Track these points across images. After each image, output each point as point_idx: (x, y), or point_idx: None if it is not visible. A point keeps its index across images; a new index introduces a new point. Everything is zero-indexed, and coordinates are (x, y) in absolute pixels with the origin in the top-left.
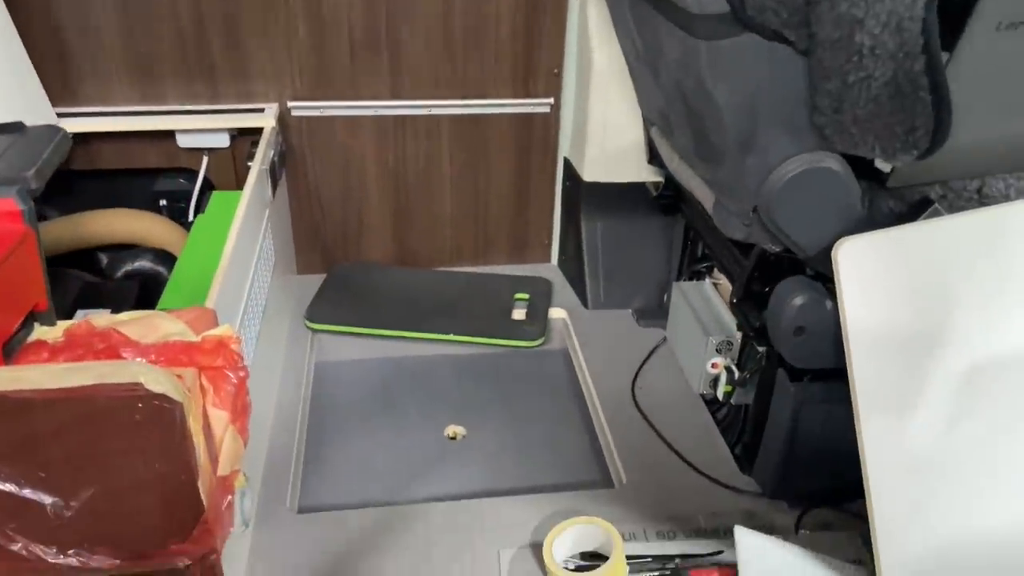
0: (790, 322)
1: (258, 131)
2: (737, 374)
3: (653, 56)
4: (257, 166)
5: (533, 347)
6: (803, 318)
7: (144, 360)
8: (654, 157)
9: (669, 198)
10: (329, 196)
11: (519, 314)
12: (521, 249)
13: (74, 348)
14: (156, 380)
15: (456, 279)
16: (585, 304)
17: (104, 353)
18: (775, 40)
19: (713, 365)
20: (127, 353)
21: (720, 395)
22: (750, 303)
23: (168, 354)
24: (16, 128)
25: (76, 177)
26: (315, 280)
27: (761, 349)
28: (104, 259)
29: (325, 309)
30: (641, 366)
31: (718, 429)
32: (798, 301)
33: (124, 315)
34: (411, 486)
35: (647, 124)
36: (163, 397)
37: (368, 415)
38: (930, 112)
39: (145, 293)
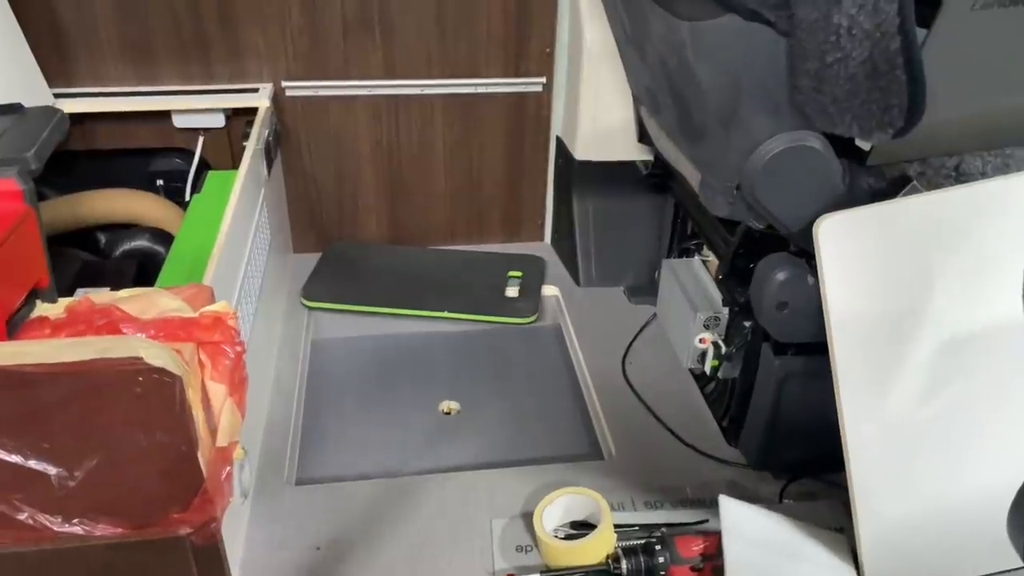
0: (772, 297)
1: (253, 111)
2: (724, 349)
3: (639, 36)
4: (252, 146)
5: (526, 324)
6: (785, 293)
7: (144, 335)
8: (643, 135)
9: (658, 176)
10: (324, 176)
11: (512, 292)
12: (515, 228)
13: (75, 324)
14: (156, 354)
15: (450, 258)
16: (577, 282)
17: (105, 328)
18: (756, 21)
19: (701, 340)
20: (127, 328)
21: (708, 369)
22: (735, 279)
23: (167, 329)
24: (15, 109)
25: (73, 158)
26: (311, 259)
27: (747, 324)
28: (102, 238)
29: (321, 287)
30: (631, 342)
31: (706, 403)
32: (780, 277)
33: (124, 292)
34: (407, 459)
35: (636, 103)
36: (162, 371)
37: (364, 391)
38: (905, 91)
39: (143, 271)
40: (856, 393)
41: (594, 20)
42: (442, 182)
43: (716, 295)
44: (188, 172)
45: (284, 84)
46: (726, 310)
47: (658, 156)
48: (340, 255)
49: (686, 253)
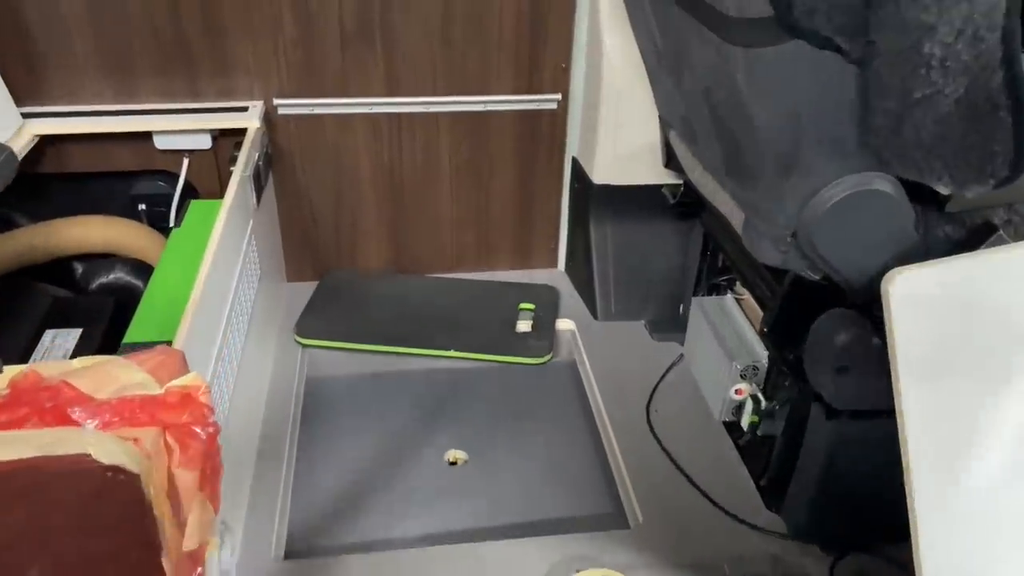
0: (832, 362)
1: (242, 131)
2: (764, 403)
3: (676, 59)
4: (239, 172)
5: (539, 364)
6: (847, 357)
7: (98, 420)
8: (671, 161)
9: (688, 204)
10: (320, 199)
11: (524, 326)
12: (526, 254)
13: (18, 406)
14: (108, 450)
15: (457, 287)
16: (594, 315)
17: (51, 413)
18: (826, 48)
19: (737, 391)
20: (78, 413)
21: (745, 425)
22: (783, 334)
23: (126, 411)
24: None
25: (47, 181)
26: (306, 288)
27: (790, 375)
28: (79, 269)
29: (316, 323)
30: (656, 386)
31: (741, 458)
32: (842, 339)
33: (77, 362)
34: (408, 521)
35: (664, 126)
36: (117, 469)
37: (363, 437)
38: (1010, 135)
39: (120, 309)
40: (930, 472)
41: (616, 32)
42: (448, 205)
43: (753, 340)
44: (172, 196)
45: (276, 102)
46: (765, 357)
47: (688, 182)
48: (337, 285)
49: (717, 289)
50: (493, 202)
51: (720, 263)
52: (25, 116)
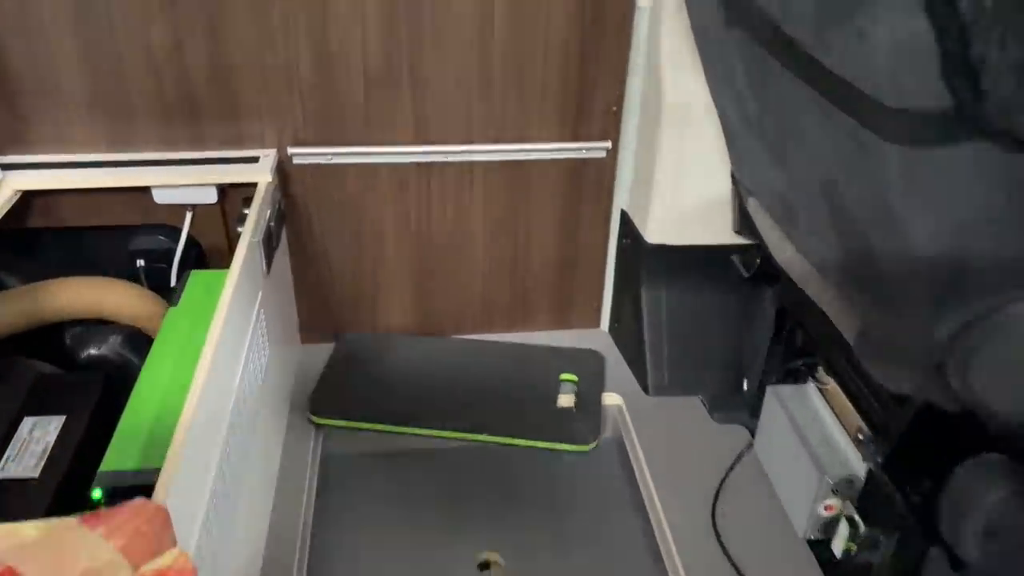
0: (980, 523)
1: (251, 184)
2: (863, 528)
3: (778, 131)
4: (247, 237)
5: (584, 452)
6: (999, 520)
7: None
8: (745, 227)
9: (761, 270)
10: (338, 255)
11: (566, 400)
12: (566, 313)
13: None
14: None
15: (489, 352)
16: (645, 388)
17: None
18: (1019, 152)
19: (827, 507)
20: None
21: (838, 551)
22: (906, 471)
23: None
24: None
25: (36, 235)
26: (321, 352)
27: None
28: (68, 335)
29: (331, 399)
30: (722, 483)
31: None
32: (995, 497)
33: (31, 529)
34: None
35: (744, 192)
36: None
37: (384, 531)
38: None
39: (109, 389)
40: None
41: (679, 74)
42: (480, 260)
43: (846, 445)
44: (174, 252)
45: (291, 151)
46: (863, 469)
47: (767, 255)
48: (355, 349)
49: (794, 375)
50: (531, 257)
51: (799, 343)
52: (7, 167)
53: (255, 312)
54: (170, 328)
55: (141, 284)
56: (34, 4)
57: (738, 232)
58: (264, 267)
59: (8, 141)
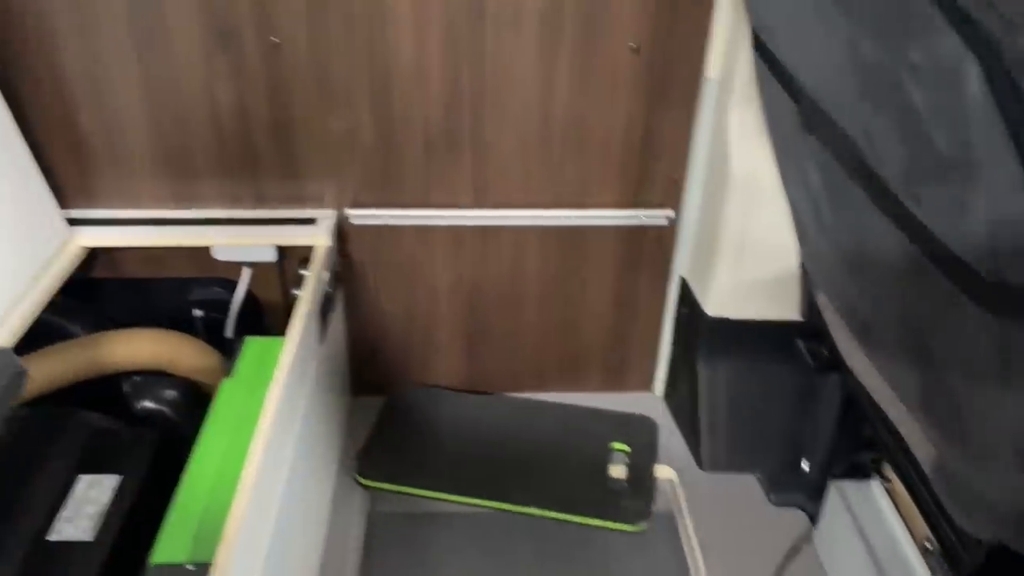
0: None
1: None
2: None
3: (854, 248)
4: (304, 306)
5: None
6: None
7: None
8: (812, 315)
9: (828, 360)
10: (392, 312)
11: (617, 471)
12: (618, 377)
13: None
14: None
15: (540, 413)
16: (699, 463)
17: None
18: None
19: None
20: None
21: None
22: None
23: None
24: None
25: (99, 285)
26: (371, 405)
27: None
28: (126, 384)
29: (379, 461)
30: (778, 573)
31: None
32: None
33: None
34: None
35: (811, 282)
36: None
37: None
38: None
39: (163, 449)
40: None
41: (747, 147)
42: (534, 322)
43: (912, 553)
44: (230, 303)
45: (349, 212)
46: None
47: (835, 348)
48: (405, 406)
49: (857, 469)
50: (585, 321)
51: (865, 435)
52: (74, 222)
53: (308, 379)
54: (224, 401)
55: (198, 333)
56: (103, 67)
57: (805, 319)
58: (319, 335)
59: (77, 195)
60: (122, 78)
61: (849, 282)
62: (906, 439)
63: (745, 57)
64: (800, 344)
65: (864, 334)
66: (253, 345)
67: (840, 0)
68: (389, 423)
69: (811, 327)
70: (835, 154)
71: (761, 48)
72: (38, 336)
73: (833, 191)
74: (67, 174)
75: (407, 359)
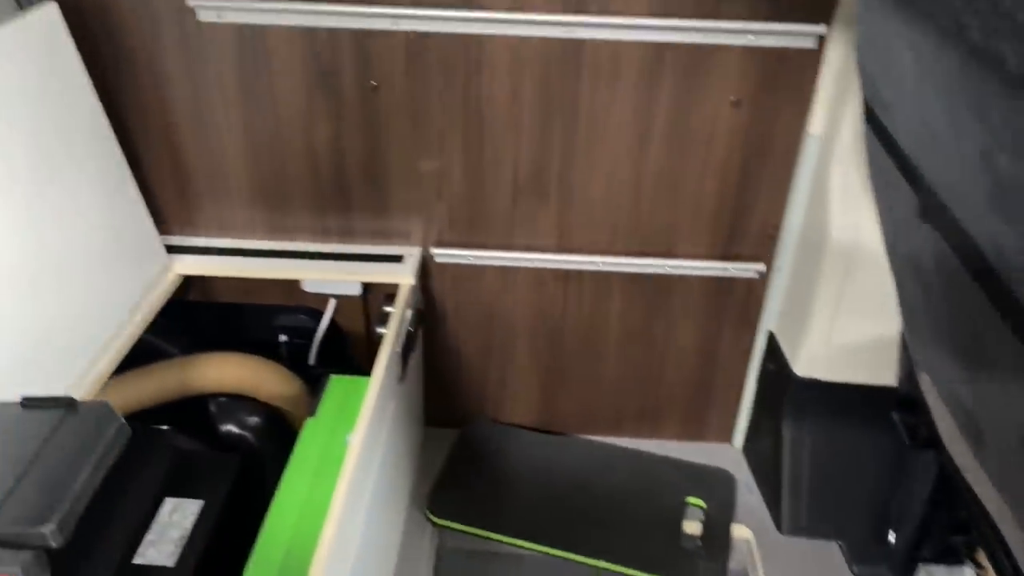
0: None
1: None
2: None
3: (971, 349)
4: (388, 348)
5: None
6: None
7: None
8: (912, 388)
9: (927, 439)
10: (470, 348)
11: (692, 528)
12: (696, 426)
13: None
14: None
15: (614, 460)
16: (779, 525)
17: None
18: None
19: None
20: None
21: None
22: None
23: None
24: (62, 404)
25: (191, 307)
26: (444, 438)
27: None
28: (212, 404)
29: (450, 500)
30: None
31: None
32: None
33: None
34: None
35: (915, 363)
36: None
37: None
38: None
39: (244, 475)
40: None
41: (849, 208)
42: (612, 367)
43: None
44: (315, 331)
45: (434, 251)
46: None
47: (932, 424)
48: (478, 443)
49: (949, 553)
50: (666, 368)
51: (960, 517)
52: (171, 249)
53: (388, 417)
54: (308, 441)
55: (282, 358)
56: (207, 103)
57: (902, 391)
58: (400, 374)
59: (177, 223)
60: (225, 114)
61: (959, 377)
62: (1005, 534)
63: (852, 114)
64: (896, 417)
65: (976, 439)
66: (337, 384)
67: (975, 105)
68: (461, 459)
69: (907, 398)
70: (954, 249)
71: (873, 121)
72: (133, 354)
73: (948, 282)
74: (169, 203)
75: (481, 393)
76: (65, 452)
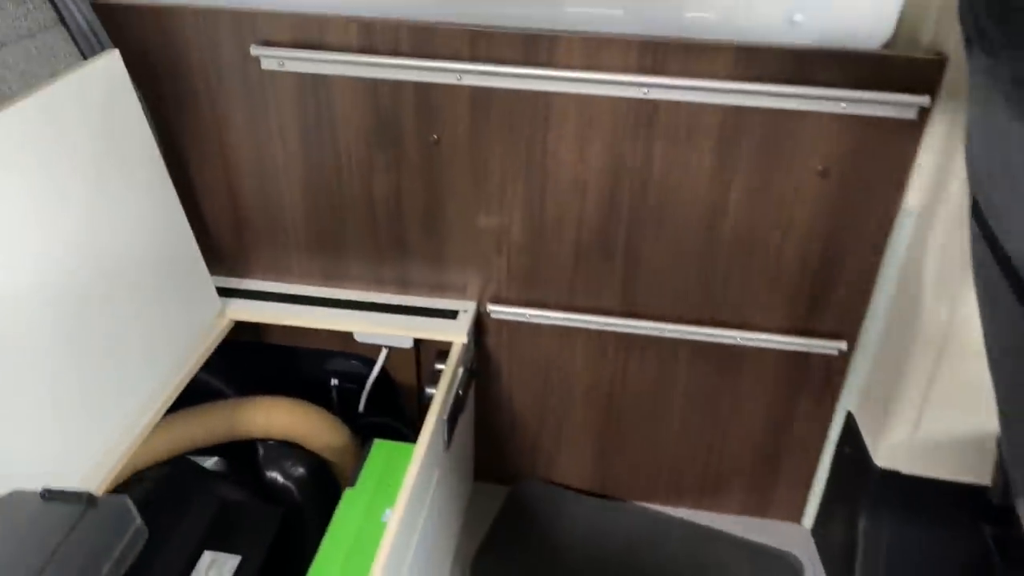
0: None
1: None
2: None
3: None
4: (435, 414)
5: None
6: None
7: None
8: (1005, 499)
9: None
10: (523, 407)
11: None
12: (762, 501)
13: None
14: None
15: (671, 533)
16: None
17: None
18: None
19: None
20: None
21: None
22: None
23: None
24: (81, 500)
25: (244, 347)
26: (493, 493)
27: None
28: (261, 447)
29: (497, 565)
30: None
31: None
32: None
33: None
34: None
35: (1011, 482)
36: None
37: None
38: None
39: (285, 530)
40: None
41: (944, 294)
42: (674, 434)
43: None
44: (366, 378)
45: (490, 307)
46: None
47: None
48: (527, 503)
49: None
50: (731, 439)
51: None
52: (224, 293)
53: (432, 484)
54: (345, 513)
55: (333, 402)
56: (268, 148)
57: (995, 500)
58: (446, 441)
59: (233, 267)
60: (285, 160)
61: None
62: None
63: (955, 191)
64: (987, 531)
65: None
66: (380, 450)
67: None
68: (508, 521)
69: (1001, 508)
70: None
71: (979, 217)
72: (185, 391)
73: None
74: (225, 246)
75: (534, 452)
76: (82, 553)
